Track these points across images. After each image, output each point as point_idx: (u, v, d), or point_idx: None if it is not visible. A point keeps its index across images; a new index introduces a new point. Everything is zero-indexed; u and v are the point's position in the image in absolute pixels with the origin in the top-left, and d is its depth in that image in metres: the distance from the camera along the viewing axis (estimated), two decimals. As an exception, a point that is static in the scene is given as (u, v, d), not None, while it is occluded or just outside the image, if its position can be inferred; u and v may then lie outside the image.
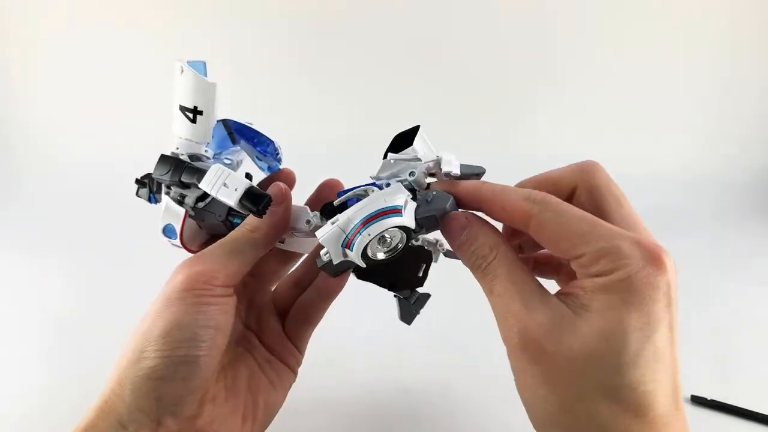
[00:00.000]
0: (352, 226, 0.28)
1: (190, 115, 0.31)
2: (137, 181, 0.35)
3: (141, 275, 0.71)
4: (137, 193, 0.35)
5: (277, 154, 0.38)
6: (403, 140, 0.33)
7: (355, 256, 0.28)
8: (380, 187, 0.31)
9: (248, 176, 0.34)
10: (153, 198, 0.34)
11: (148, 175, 0.34)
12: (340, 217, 0.29)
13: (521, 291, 0.27)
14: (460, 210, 0.31)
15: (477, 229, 0.29)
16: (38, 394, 0.49)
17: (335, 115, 1.10)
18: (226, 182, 0.30)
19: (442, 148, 0.33)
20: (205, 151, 0.34)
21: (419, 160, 0.32)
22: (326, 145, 1.03)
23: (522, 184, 0.33)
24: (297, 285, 0.38)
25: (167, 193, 0.32)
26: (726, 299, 0.67)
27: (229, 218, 0.34)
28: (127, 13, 1.07)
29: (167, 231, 0.33)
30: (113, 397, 0.29)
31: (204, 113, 0.31)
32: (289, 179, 0.39)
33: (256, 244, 0.32)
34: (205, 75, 0.31)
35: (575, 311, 0.25)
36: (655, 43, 1.11)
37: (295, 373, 0.37)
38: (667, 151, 1.11)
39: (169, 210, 0.33)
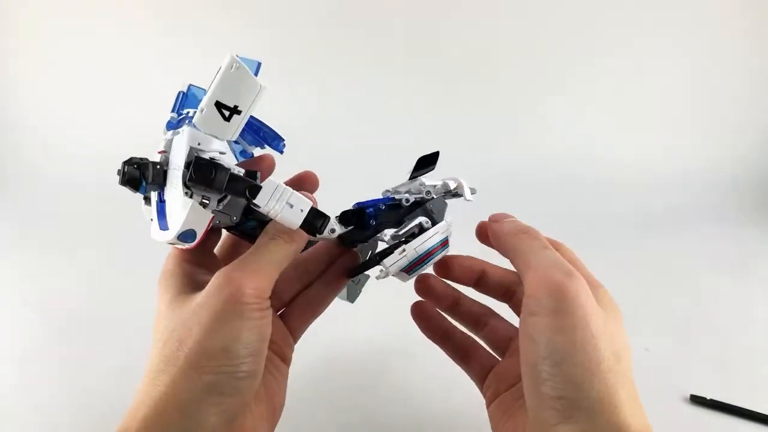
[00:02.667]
0: (416, 256, 0.33)
1: (226, 113, 0.29)
2: (132, 166, 0.30)
3: (145, 274, 0.71)
4: (124, 181, 0.30)
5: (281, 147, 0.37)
6: (425, 162, 0.36)
7: (408, 278, 0.34)
8: (400, 202, 0.36)
9: (251, 174, 0.32)
10: (144, 189, 0.32)
11: (145, 162, 0.31)
12: (408, 249, 0.33)
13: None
14: None
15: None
16: (39, 394, 0.49)
17: (335, 116, 1.10)
18: (290, 202, 0.29)
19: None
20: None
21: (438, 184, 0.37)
22: (329, 145, 1.03)
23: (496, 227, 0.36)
24: (300, 279, 0.38)
25: (188, 195, 0.29)
26: (726, 299, 0.67)
27: (243, 219, 0.33)
28: (126, 9, 1.07)
29: (184, 237, 0.30)
30: (161, 415, 0.27)
31: (241, 114, 0.29)
32: (314, 182, 0.38)
33: (291, 255, 0.32)
34: (256, 75, 0.29)
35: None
36: (655, 43, 1.11)
37: (288, 366, 0.37)
38: (668, 151, 1.11)
39: (195, 214, 0.30)
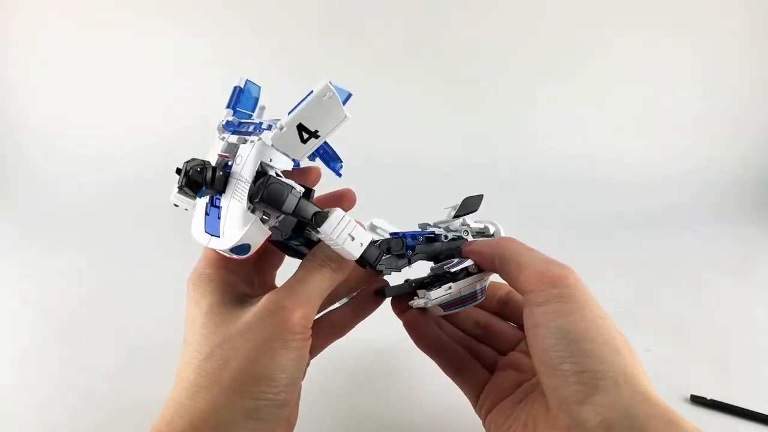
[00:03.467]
0: (458, 296, 0.36)
1: (305, 136, 0.29)
2: (196, 169, 0.29)
3: (145, 274, 0.71)
4: (186, 183, 0.29)
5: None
6: (470, 204, 0.38)
7: (442, 312, 0.37)
8: (438, 237, 0.38)
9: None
10: (201, 192, 0.30)
11: (208, 166, 0.29)
12: (453, 288, 0.35)
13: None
14: None
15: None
16: (39, 394, 0.49)
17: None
18: (352, 234, 0.30)
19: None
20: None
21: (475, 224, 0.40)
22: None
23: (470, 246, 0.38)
24: (329, 299, 0.37)
25: (251, 209, 0.29)
26: (726, 299, 0.67)
27: (291, 236, 0.32)
28: (126, 9, 1.07)
29: (238, 250, 0.29)
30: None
31: (319, 139, 0.29)
32: (352, 200, 0.38)
33: (336, 284, 0.32)
34: (344, 104, 0.29)
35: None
36: (655, 43, 1.11)
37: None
38: (668, 151, 1.11)
39: (255, 230, 0.29)
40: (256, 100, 0.34)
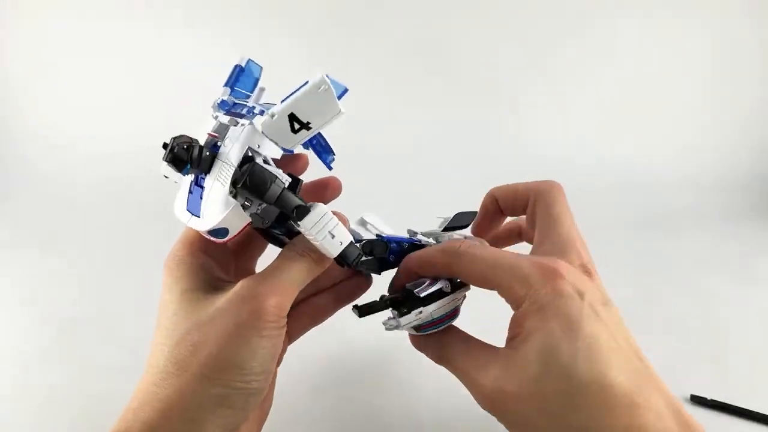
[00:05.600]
0: (430, 319, 0.34)
1: (296, 126, 0.28)
2: (182, 146, 0.29)
3: (145, 274, 0.71)
4: (170, 158, 0.29)
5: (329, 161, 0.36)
6: (461, 218, 0.38)
7: (417, 334, 0.36)
8: (426, 246, 0.37)
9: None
10: (186, 170, 0.30)
11: (195, 145, 0.29)
12: (424, 312, 0.34)
13: (473, 360, 0.31)
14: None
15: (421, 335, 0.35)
16: (39, 394, 0.49)
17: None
18: (333, 232, 0.29)
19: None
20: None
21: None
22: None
23: (492, 191, 0.39)
24: (309, 286, 0.37)
25: (233, 194, 0.29)
26: (726, 299, 0.67)
27: (273, 224, 0.32)
28: (125, 9, 1.07)
29: (215, 233, 0.29)
30: (166, 420, 0.27)
31: (310, 130, 0.29)
32: (336, 188, 0.38)
33: (314, 275, 0.32)
34: (340, 99, 0.29)
35: (517, 349, 0.28)
36: (657, 44, 1.11)
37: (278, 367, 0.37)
38: (667, 151, 1.11)
39: (235, 216, 0.29)
40: (257, 80, 0.34)
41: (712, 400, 0.48)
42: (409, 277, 0.35)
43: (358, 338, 0.55)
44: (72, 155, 1.03)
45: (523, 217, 0.39)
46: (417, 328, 0.35)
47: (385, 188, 0.90)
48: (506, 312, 0.30)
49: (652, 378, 0.27)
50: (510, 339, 0.29)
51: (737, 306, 0.65)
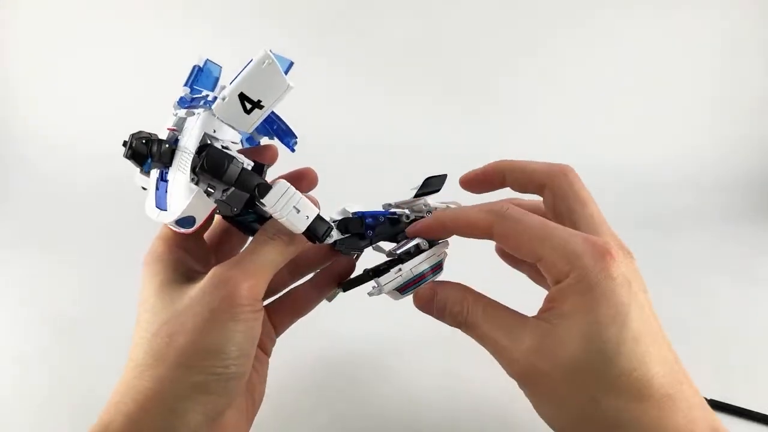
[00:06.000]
0: (411, 276, 0.33)
1: (248, 106, 0.28)
2: (140, 140, 0.30)
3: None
4: (129, 154, 0.30)
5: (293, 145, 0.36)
6: (432, 183, 0.36)
7: (401, 297, 0.34)
8: (400, 218, 0.36)
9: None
10: (148, 165, 0.31)
11: (154, 139, 0.30)
12: (404, 269, 0.33)
13: (501, 327, 0.29)
14: (424, 283, 0.34)
15: (441, 293, 0.32)
16: (39, 394, 0.49)
17: (332, 114, 1.10)
18: (297, 207, 0.29)
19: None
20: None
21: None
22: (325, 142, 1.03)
23: (500, 166, 0.37)
24: (290, 274, 0.37)
25: (194, 181, 0.29)
26: (726, 299, 0.67)
27: (243, 211, 0.32)
28: (125, 9, 1.07)
29: (182, 222, 0.29)
30: (146, 411, 0.27)
31: (263, 109, 0.29)
32: (313, 179, 0.38)
33: (288, 257, 0.31)
34: (286, 74, 0.29)
35: (554, 324, 0.27)
36: (657, 44, 1.11)
37: (269, 359, 0.37)
38: (667, 151, 1.11)
39: (199, 202, 0.29)
40: (216, 80, 0.34)
41: (712, 400, 0.48)
42: (438, 230, 0.34)
43: (354, 335, 0.55)
44: (72, 155, 1.03)
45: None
46: (400, 289, 0.34)
47: (374, 184, 0.90)
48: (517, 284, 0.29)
49: (683, 373, 0.28)
50: (544, 311, 0.28)
51: (737, 306, 0.65)
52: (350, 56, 1.11)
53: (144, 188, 0.33)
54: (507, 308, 0.30)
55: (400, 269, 0.33)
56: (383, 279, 0.33)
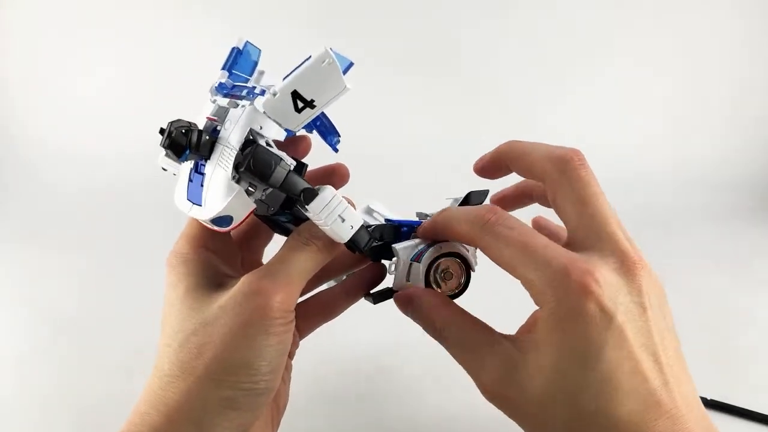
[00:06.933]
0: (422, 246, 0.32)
1: (300, 105, 0.27)
2: (180, 130, 0.27)
3: (145, 274, 0.71)
4: (167, 144, 0.27)
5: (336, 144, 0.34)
6: (473, 197, 0.36)
7: (422, 267, 0.32)
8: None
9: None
10: (185, 156, 0.28)
11: (194, 129, 0.28)
12: (401, 257, 0.32)
13: (472, 350, 0.28)
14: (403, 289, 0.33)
15: (416, 302, 0.31)
16: (39, 394, 0.49)
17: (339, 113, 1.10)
18: (343, 216, 0.28)
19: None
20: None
21: None
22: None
23: (503, 155, 0.34)
24: (319, 277, 0.35)
25: (236, 179, 0.27)
26: (726, 299, 0.67)
27: (278, 211, 0.31)
28: (125, 9, 1.07)
29: (219, 221, 0.28)
30: (172, 424, 0.26)
31: (315, 109, 0.27)
32: (344, 175, 0.36)
33: (322, 264, 0.30)
34: (345, 74, 0.27)
35: (524, 353, 0.26)
36: (657, 43, 1.11)
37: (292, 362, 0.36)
38: (668, 151, 1.11)
39: (239, 202, 0.27)
40: (255, 63, 0.32)
41: (712, 400, 0.48)
42: (433, 232, 0.33)
43: (363, 339, 0.55)
44: (72, 156, 1.03)
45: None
46: (415, 257, 0.32)
47: (391, 179, 0.89)
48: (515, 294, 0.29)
49: (673, 403, 0.26)
50: (524, 332, 0.28)
51: (737, 306, 0.65)
52: (372, 51, 1.10)
53: (164, 168, 0.31)
54: (480, 328, 0.29)
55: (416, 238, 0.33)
56: (399, 245, 0.32)
